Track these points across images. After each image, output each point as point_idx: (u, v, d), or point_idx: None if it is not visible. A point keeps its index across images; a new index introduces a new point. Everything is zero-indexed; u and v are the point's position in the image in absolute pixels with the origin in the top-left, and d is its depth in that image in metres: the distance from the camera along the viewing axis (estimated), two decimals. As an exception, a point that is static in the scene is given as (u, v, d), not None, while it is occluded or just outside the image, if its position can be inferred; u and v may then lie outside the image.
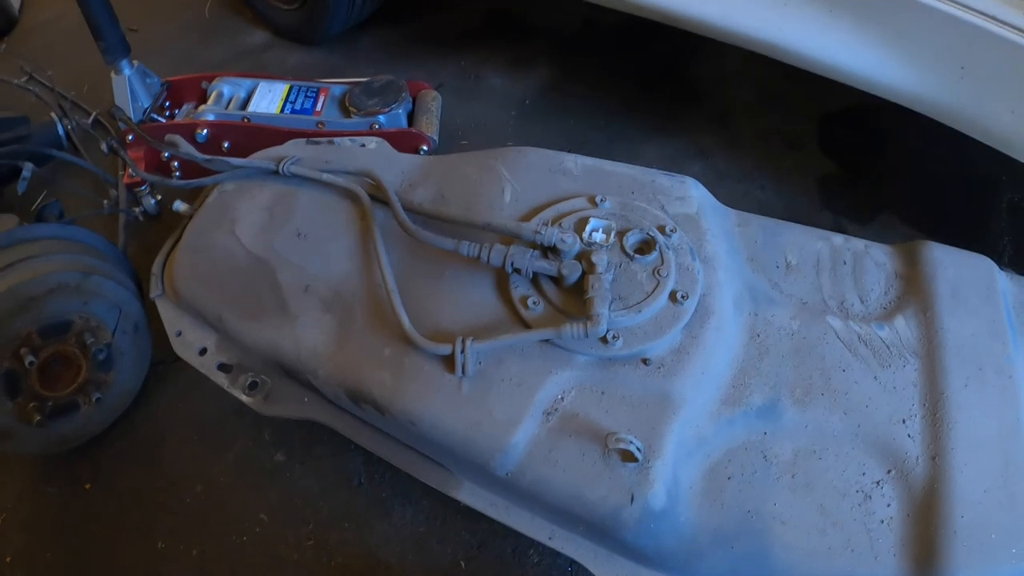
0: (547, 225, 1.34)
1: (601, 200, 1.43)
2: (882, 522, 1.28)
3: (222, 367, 1.55)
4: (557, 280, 1.32)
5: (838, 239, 1.55)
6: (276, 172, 1.61)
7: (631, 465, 1.22)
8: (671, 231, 1.40)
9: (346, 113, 2.01)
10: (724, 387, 1.32)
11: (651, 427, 1.25)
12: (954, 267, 1.54)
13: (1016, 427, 1.39)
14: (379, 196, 1.54)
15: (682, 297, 1.33)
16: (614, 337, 1.28)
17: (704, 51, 2.63)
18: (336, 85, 2.07)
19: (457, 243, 1.35)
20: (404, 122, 2.01)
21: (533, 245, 1.34)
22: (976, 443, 1.35)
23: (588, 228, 1.37)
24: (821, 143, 2.44)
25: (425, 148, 1.96)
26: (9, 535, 1.64)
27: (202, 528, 1.64)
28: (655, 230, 1.39)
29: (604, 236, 1.36)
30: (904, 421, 1.35)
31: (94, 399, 1.66)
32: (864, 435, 1.33)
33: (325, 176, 1.58)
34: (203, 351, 1.57)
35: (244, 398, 1.52)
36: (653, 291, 1.31)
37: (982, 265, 1.60)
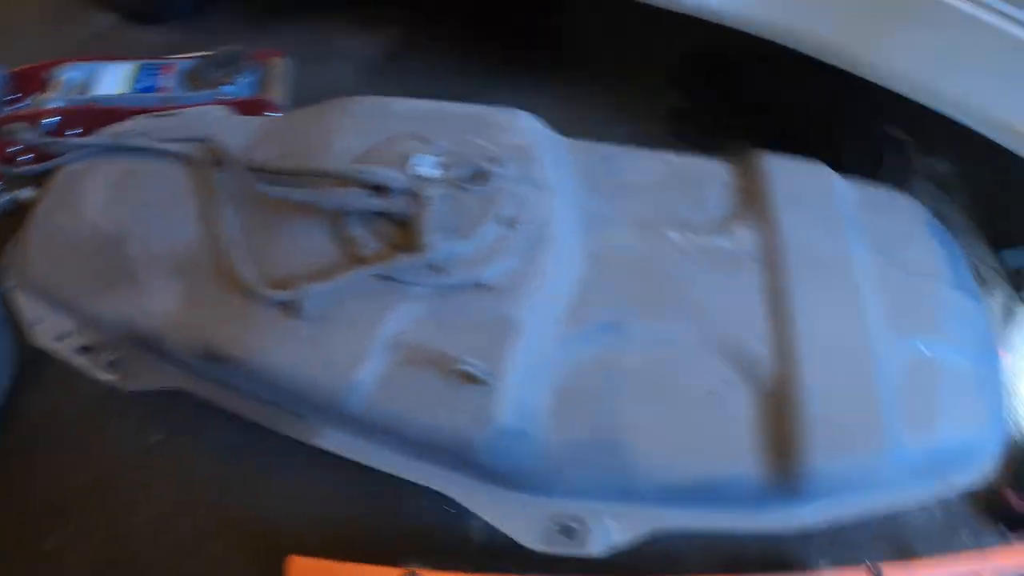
0: (367, 164, 1.36)
1: (433, 138, 1.46)
2: (736, 420, 1.35)
3: (83, 350, 1.52)
4: (389, 216, 1.34)
5: (675, 157, 1.61)
6: (118, 147, 1.59)
7: (477, 388, 1.25)
8: (502, 162, 1.43)
9: (193, 87, 1.98)
10: (566, 307, 1.36)
11: (494, 350, 1.28)
12: (790, 175, 1.62)
13: (859, 319, 1.47)
14: (219, 159, 1.53)
15: (514, 223, 1.36)
16: (448, 266, 1.30)
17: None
18: (183, 60, 2.03)
19: (290, 191, 1.36)
20: (252, 91, 2.00)
21: (365, 186, 1.36)
22: (820, 337, 1.42)
23: (419, 164, 1.39)
24: (671, 79, 2.50)
25: (275, 116, 1.95)
26: None
27: (93, 520, 1.60)
28: (486, 162, 1.42)
29: (435, 171, 1.38)
30: (749, 323, 1.41)
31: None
32: (711, 340, 1.39)
33: (165, 145, 1.57)
34: (62, 337, 1.54)
35: (106, 377, 1.50)
36: (484, 219, 1.35)
37: (818, 171, 1.68)
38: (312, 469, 1.63)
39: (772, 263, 1.46)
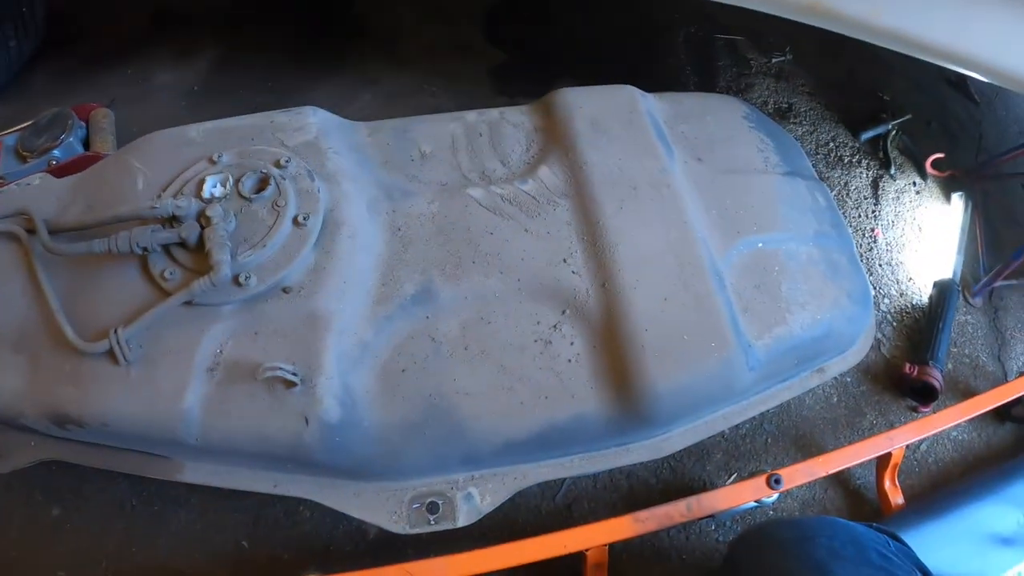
0: (163, 198, 1.35)
1: (219, 156, 1.45)
2: (569, 361, 1.34)
3: None
4: (184, 245, 1.34)
5: (471, 115, 1.59)
6: (-60, 235, 1.58)
7: (295, 390, 1.25)
8: (286, 162, 1.42)
9: (22, 160, 1.97)
10: (373, 288, 1.36)
11: (307, 349, 1.28)
12: (590, 104, 1.60)
13: (684, 230, 1.46)
14: (33, 228, 1.52)
15: (304, 219, 1.36)
16: (247, 277, 1.30)
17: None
18: (8, 135, 2.02)
19: (88, 244, 1.35)
20: (79, 148, 1.98)
21: (159, 221, 1.35)
22: (643, 258, 1.41)
23: (206, 186, 1.38)
24: (488, 38, 2.49)
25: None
26: None
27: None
28: (270, 166, 1.41)
29: (221, 188, 1.37)
30: (565, 260, 1.41)
31: None
32: (527, 287, 1.38)
33: (-15, 226, 1.56)
34: (-71, 438, 1.54)
35: (-21, 463, 1.50)
36: (275, 223, 1.34)
37: (621, 93, 1.66)
38: (197, 508, 1.65)
39: (580, 196, 1.46)
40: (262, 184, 1.38)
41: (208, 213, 1.31)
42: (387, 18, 2.52)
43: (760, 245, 1.51)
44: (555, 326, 1.35)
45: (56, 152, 1.95)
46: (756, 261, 1.50)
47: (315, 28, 2.50)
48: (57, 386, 1.35)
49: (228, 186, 1.38)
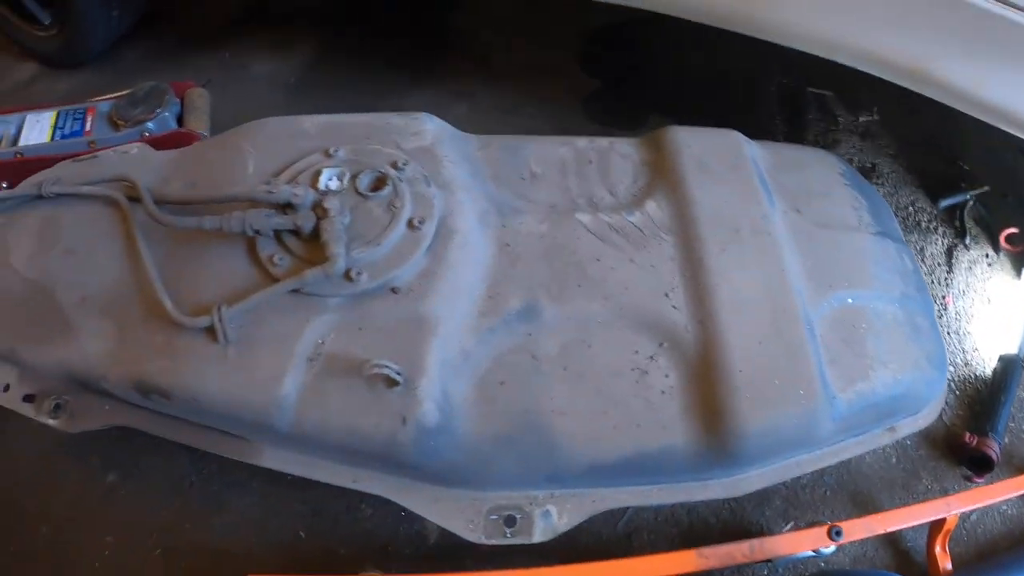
0: (276, 184, 1.37)
1: (335, 151, 1.47)
2: (663, 392, 1.36)
3: (26, 398, 1.53)
4: (298, 233, 1.35)
5: (582, 141, 1.62)
6: (39, 196, 1.60)
7: (396, 389, 1.26)
8: (403, 165, 1.44)
9: (116, 127, 1.99)
10: (479, 299, 1.37)
11: (411, 350, 1.29)
12: (698, 144, 1.63)
13: (781, 278, 1.48)
14: (136, 196, 1.54)
15: (420, 223, 1.37)
16: (358, 273, 1.32)
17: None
18: (103, 102, 2.04)
19: (200, 220, 1.37)
20: (173, 124, 2.00)
21: (272, 206, 1.37)
22: (742, 301, 1.43)
23: (322, 178, 1.40)
24: (583, 66, 2.52)
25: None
26: None
27: (56, 565, 1.62)
28: (388, 167, 1.43)
29: (337, 182, 1.39)
30: (667, 294, 1.43)
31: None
32: (628, 315, 1.40)
33: (84, 189, 1.58)
34: (6, 388, 1.55)
35: (50, 422, 1.51)
36: (390, 223, 1.36)
37: (728, 137, 1.69)
38: (257, 493, 1.66)
39: (685, 233, 1.47)
40: (378, 183, 1.40)
41: (325, 205, 1.33)
42: (483, 34, 2.56)
43: (850, 301, 1.53)
44: (652, 357, 1.36)
45: (150, 124, 1.97)
46: (845, 316, 1.51)
47: (410, 36, 2.54)
48: (147, 356, 1.37)
49: (345, 181, 1.40)
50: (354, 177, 1.40)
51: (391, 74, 2.37)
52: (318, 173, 1.41)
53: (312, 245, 1.35)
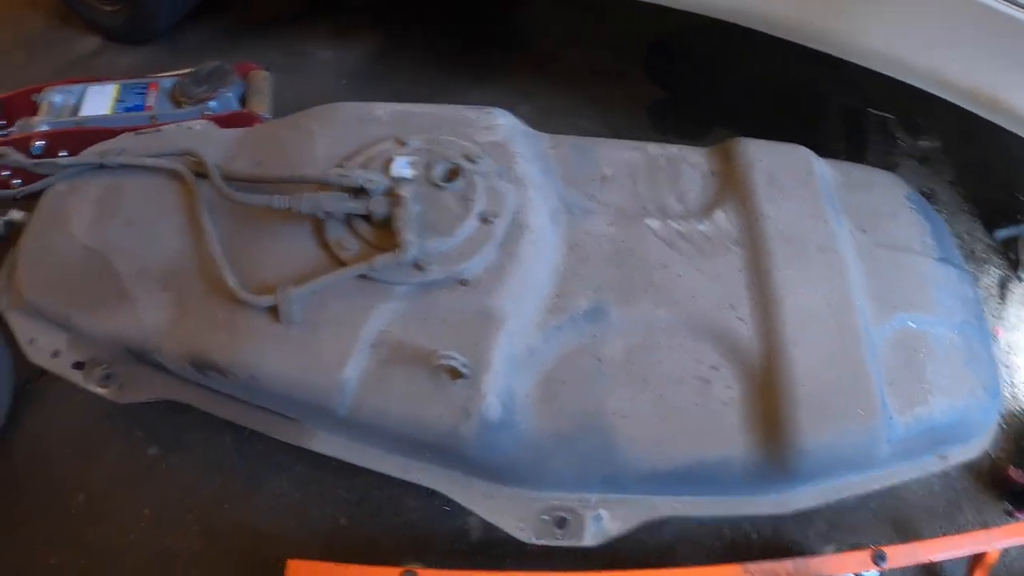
0: (348, 169, 1.37)
1: (408, 140, 1.47)
2: (724, 403, 1.35)
3: (76, 365, 1.53)
4: (368, 218, 1.35)
5: (653, 147, 1.61)
6: (102, 165, 1.60)
7: (461, 382, 1.26)
8: (478, 158, 1.44)
9: (178, 104, 2.01)
10: (547, 297, 1.37)
11: (477, 344, 1.29)
12: (768, 158, 1.62)
13: (846, 296, 1.47)
14: (202, 171, 1.55)
15: (492, 217, 1.37)
16: (428, 263, 1.31)
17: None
18: (166, 78, 2.06)
19: (269, 198, 1.37)
20: (235, 105, 2.01)
21: (344, 189, 1.37)
22: (807, 316, 1.42)
23: (395, 165, 1.40)
24: (647, 73, 2.51)
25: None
26: None
27: (90, 534, 1.62)
28: (462, 159, 1.43)
29: (411, 171, 1.39)
30: (733, 306, 1.42)
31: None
32: (694, 324, 1.39)
33: (148, 161, 1.58)
34: (56, 353, 1.55)
35: (99, 390, 1.51)
36: (463, 215, 1.35)
37: (797, 153, 1.68)
38: (300, 477, 1.65)
39: (753, 246, 1.47)
40: (452, 174, 1.40)
41: (399, 192, 1.33)
42: (549, 36, 2.57)
43: (911, 324, 1.52)
44: (715, 367, 1.35)
45: (212, 103, 1.99)
46: (906, 339, 1.50)
47: (474, 34, 2.55)
48: (206, 331, 1.37)
49: (418, 170, 1.39)
50: (428, 167, 1.40)
51: (454, 70, 2.38)
52: (390, 160, 1.41)
53: (381, 232, 1.34)
